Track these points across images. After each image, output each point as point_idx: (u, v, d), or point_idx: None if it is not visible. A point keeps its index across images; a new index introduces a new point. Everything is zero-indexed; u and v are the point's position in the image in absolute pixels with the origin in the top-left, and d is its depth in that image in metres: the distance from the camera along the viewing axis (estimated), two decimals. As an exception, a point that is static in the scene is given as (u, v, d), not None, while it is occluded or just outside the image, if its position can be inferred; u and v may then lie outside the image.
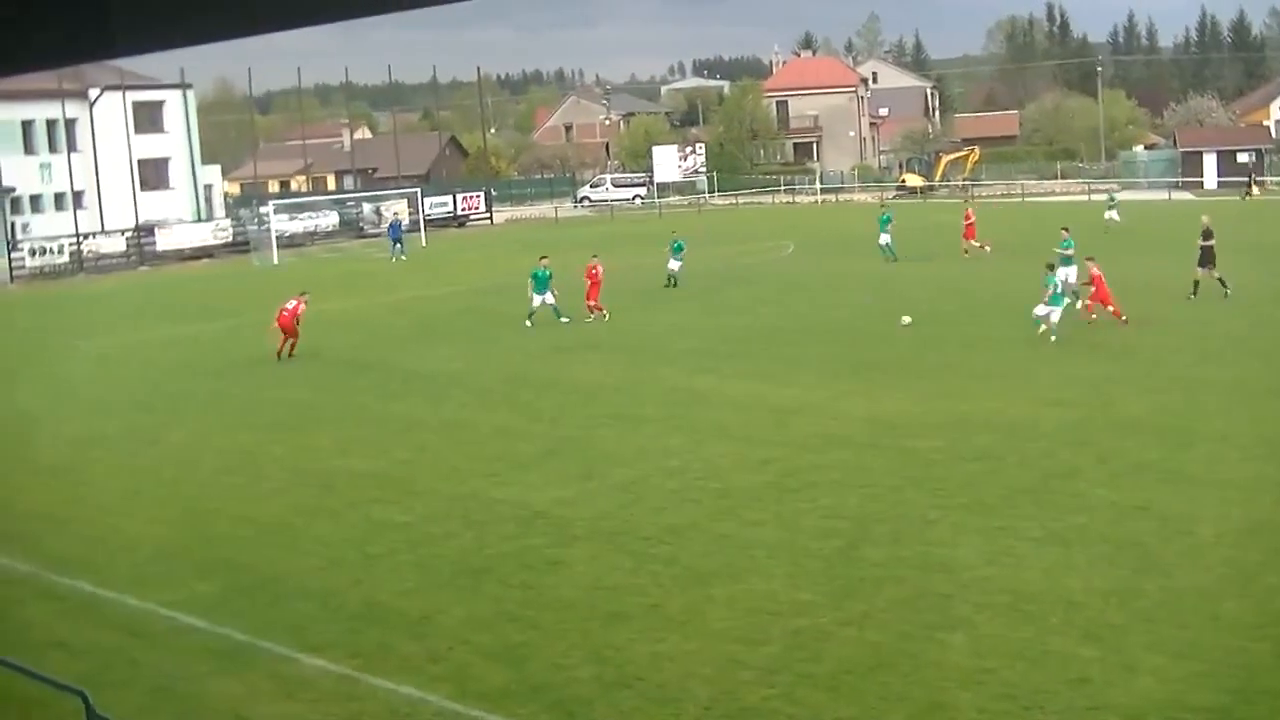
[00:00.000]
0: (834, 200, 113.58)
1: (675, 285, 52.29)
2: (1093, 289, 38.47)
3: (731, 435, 27.67)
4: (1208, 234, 42.14)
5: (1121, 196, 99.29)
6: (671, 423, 29.20)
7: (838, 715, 14.45)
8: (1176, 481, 22.50)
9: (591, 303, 44.47)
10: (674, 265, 53.14)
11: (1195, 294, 41.29)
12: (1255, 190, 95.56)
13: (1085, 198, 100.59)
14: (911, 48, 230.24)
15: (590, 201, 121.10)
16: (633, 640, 16.74)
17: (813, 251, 63.63)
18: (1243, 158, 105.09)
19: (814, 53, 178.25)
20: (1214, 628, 16.02)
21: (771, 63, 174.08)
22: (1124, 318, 37.52)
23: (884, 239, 58.98)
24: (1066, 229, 44.38)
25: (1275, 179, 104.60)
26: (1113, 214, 69.38)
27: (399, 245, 77.08)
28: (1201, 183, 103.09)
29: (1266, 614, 16.35)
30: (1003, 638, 16.08)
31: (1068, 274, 40.00)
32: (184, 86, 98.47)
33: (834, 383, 32.47)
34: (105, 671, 16.60)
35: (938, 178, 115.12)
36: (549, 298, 43.45)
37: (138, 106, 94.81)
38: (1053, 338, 35.99)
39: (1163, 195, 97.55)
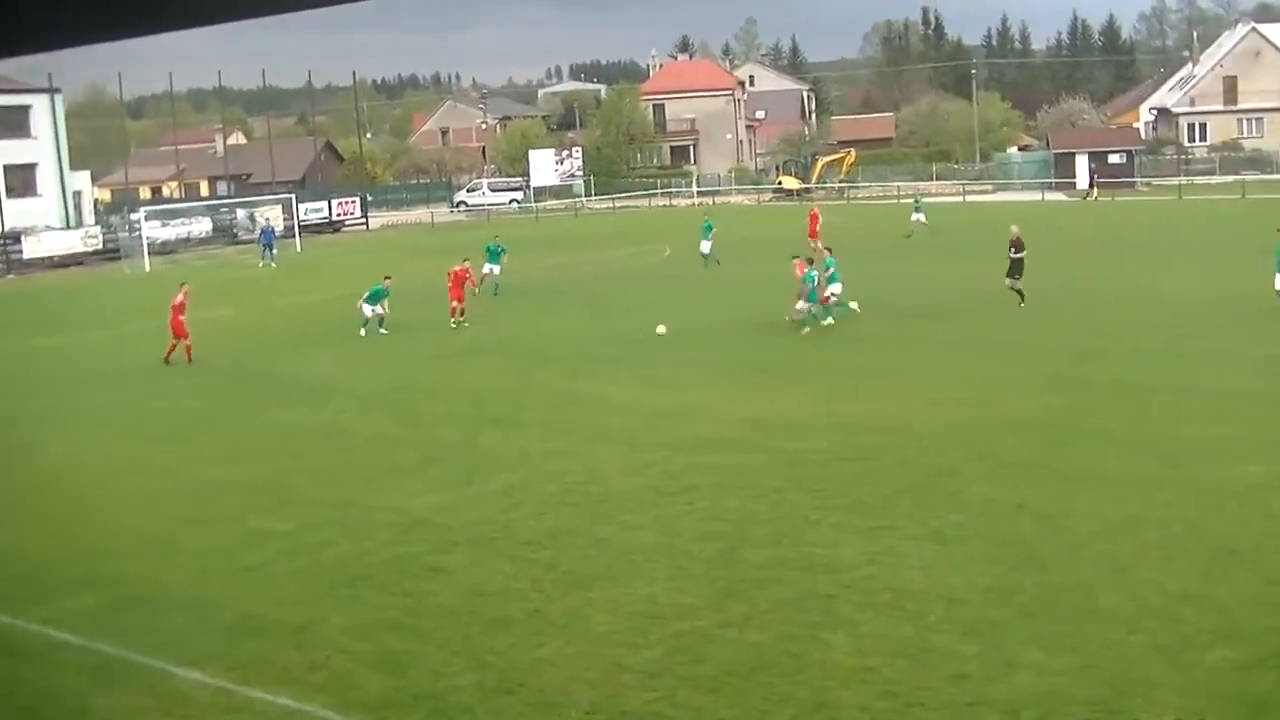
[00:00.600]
0: (711, 203, 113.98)
1: (497, 294, 51.66)
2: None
3: (613, 439, 27.65)
4: (1017, 245, 42.01)
5: (995, 198, 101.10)
6: (553, 427, 29.15)
7: (721, 717, 14.43)
8: (1054, 479, 22.78)
9: (455, 304, 44.49)
10: (492, 269, 52.86)
11: (1023, 301, 41.41)
12: (1094, 192, 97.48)
13: (960, 199, 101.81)
14: (788, 51, 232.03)
15: (467, 206, 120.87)
16: (514, 646, 16.64)
17: (691, 255, 63.67)
18: (1114, 159, 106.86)
19: (691, 56, 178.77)
20: (1091, 621, 16.21)
21: (648, 66, 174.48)
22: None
23: (705, 246, 59.30)
24: (829, 249, 44.81)
25: (1144, 180, 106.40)
26: (919, 217, 70.10)
27: (270, 251, 76.71)
28: (1074, 183, 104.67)
29: (1142, 607, 16.58)
30: (884, 636, 16.16)
31: (835, 289, 41.27)
32: (52, 90, 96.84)
33: (716, 385, 32.57)
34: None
35: (814, 180, 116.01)
36: (380, 308, 43.61)
37: (2, 111, 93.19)
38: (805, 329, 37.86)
39: (1036, 196, 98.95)
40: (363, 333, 43.36)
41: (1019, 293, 41.27)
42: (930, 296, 44.64)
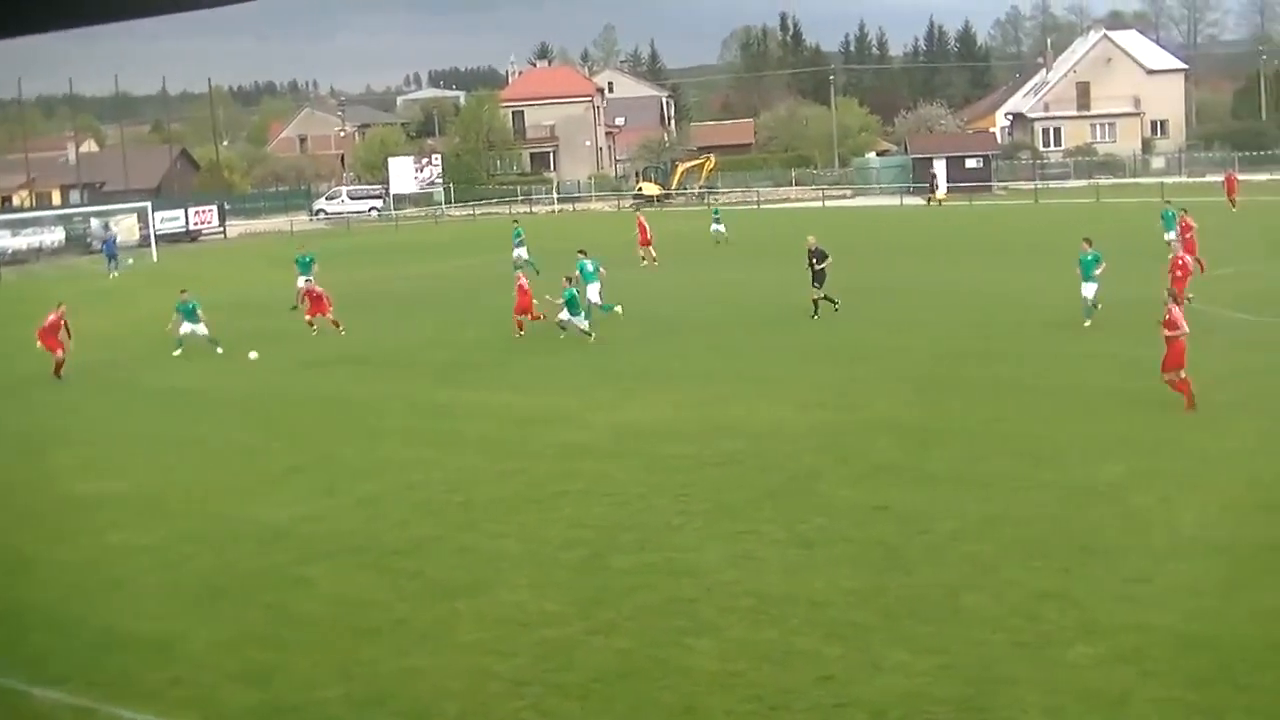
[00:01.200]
0: (571, 209, 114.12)
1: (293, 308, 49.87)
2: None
3: (476, 447, 27.62)
4: (817, 255, 41.95)
5: (854, 202, 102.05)
6: (416, 435, 29.07)
7: (590, 724, 14.50)
8: (917, 480, 23.09)
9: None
10: (306, 282, 50.48)
11: (816, 314, 41.45)
12: (936, 196, 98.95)
13: (820, 204, 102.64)
14: (647, 57, 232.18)
15: (326, 214, 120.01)
16: (380, 656, 16.59)
17: (551, 261, 63.68)
18: (971, 163, 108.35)
19: (550, 62, 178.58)
20: (954, 621, 16.48)
21: (508, 73, 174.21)
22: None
23: (517, 253, 59.80)
24: (584, 252, 45.41)
25: (1001, 184, 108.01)
26: (719, 228, 70.36)
27: (114, 261, 75.73)
28: (937, 189, 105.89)
29: (1004, 605, 16.87)
30: (748, 640, 16.29)
31: (594, 290, 42.94)
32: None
33: (582, 392, 32.59)
34: None
35: (674, 186, 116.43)
36: (200, 328, 42.27)
37: None
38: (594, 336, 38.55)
39: (895, 200, 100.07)
40: (176, 353, 41.96)
41: (830, 300, 41.44)
42: (781, 305, 44.83)
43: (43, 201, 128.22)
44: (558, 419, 29.83)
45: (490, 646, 16.64)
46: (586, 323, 39.30)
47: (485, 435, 28.71)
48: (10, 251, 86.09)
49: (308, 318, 44.79)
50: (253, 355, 40.38)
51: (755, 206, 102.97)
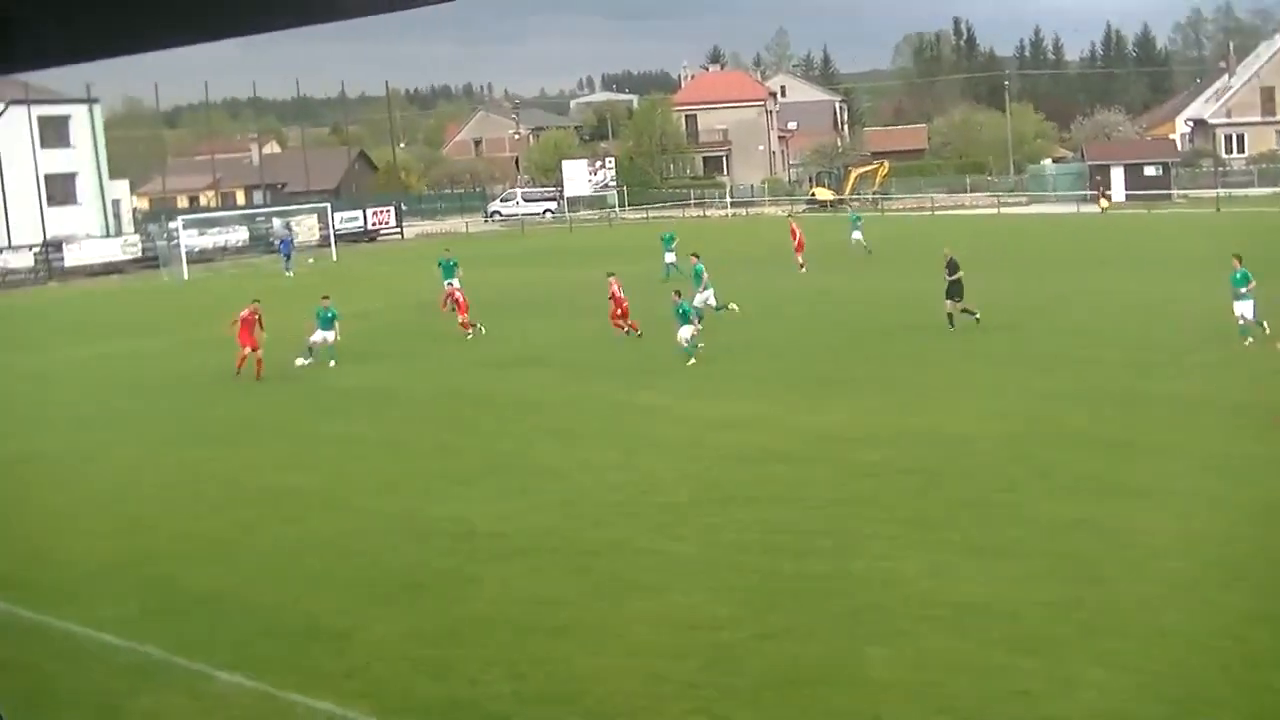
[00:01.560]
0: (744, 214, 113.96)
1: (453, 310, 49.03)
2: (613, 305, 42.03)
3: (670, 450, 27.64)
4: (952, 267, 41.18)
5: (1029, 210, 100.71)
6: (610, 437, 29.17)
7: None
8: (1116, 495, 22.60)
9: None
10: (451, 285, 50.69)
11: (953, 325, 40.55)
12: (1105, 203, 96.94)
13: (995, 211, 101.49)
14: (820, 62, 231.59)
15: (501, 216, 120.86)
16: (557, 654, 16.67)
17: (728, 265, 63.72)
18: (1150, 171, 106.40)
19: (722, 67, 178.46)
20: (1156, 640, 16.08)
21: (680, 77, 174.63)
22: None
23: (669, 258, 60.18)
24: (697, 255, 45.75)
25: (1181, 192, 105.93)
26: (858, 235, 68.64)
27: (289, 260, 77.18)
28: (1110, 195, 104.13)
29: (1206, 626, 16.44)
30: (943, 651, 16.08)
31: (706, 296, 43.09)
32: (90, 101, 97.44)
33: (775, 396, 32.50)
34: (29, 691, 16.45)
35: (847, 191, 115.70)
36: (330, 335, 40.94)
37: (43, 121, 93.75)
38: (691, 361, 37.07)
39: (1071, 208, 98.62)
40: (299, 363, 40.75)
41: (969, 312, 40.55)
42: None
43: (228, 201, 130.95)
44: (747, 423, 29.75)
45: (665, 648, 16.63)
46: (691, 332, 37.92)
47: (673, 438, 28.74)
48: (197, 250, 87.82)
49: (461, 318, 45.04)
50: (300, 362, 40.49)
51: (930, 213, 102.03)
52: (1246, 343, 35.59)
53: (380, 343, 45.13)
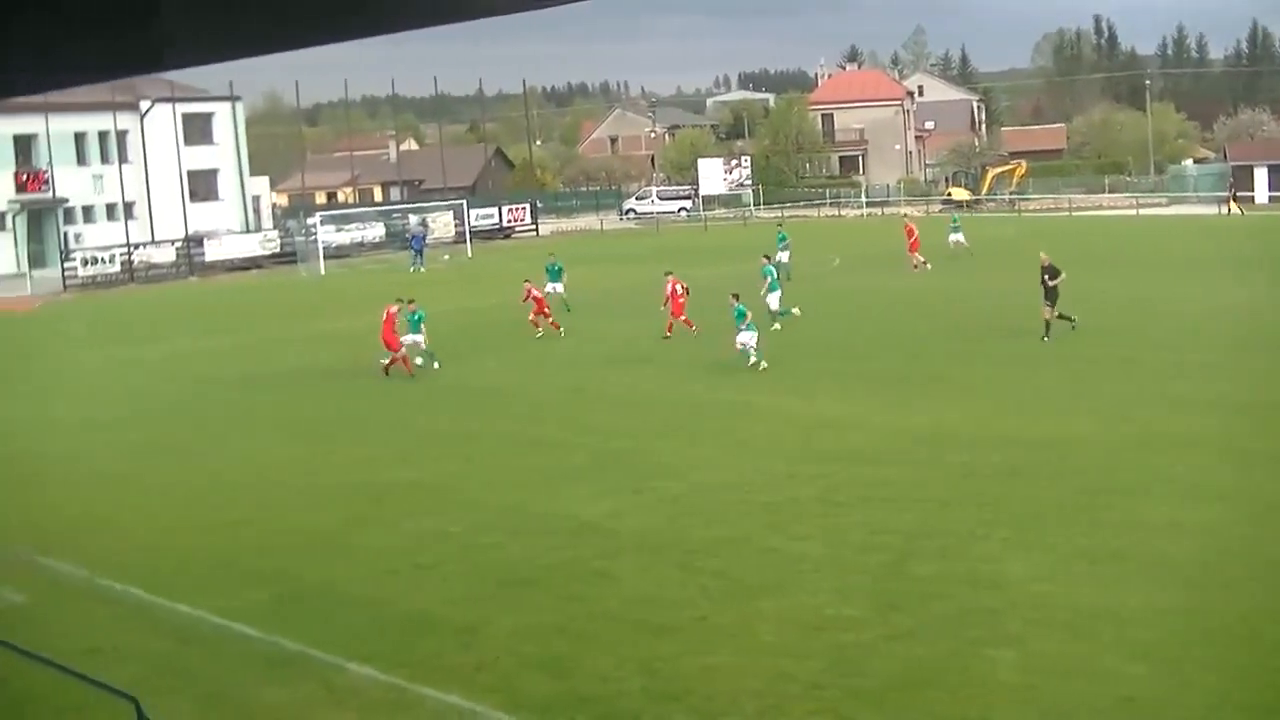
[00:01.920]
0: (880, 214, 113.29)
1: (568, 310, 49.58)
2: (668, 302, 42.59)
3: (782, 449, 27.66)
4: (1051, 272, 39.73)
5: (1168, 211, 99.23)
6: (722, 437, 29.23)
7: (886, 731, 14.47)
8: (1232, 500, 22.30)
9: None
10: (555, 288, 51.26)
11: (1048, 336, 39.15)
12: (1234, 206, 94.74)
13: (1134, 212, 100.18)
14: (958, 61, 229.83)
15: (636, 214, 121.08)
16: (680, 653, 16.77)
17: (859, 266, 63.57)
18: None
19: (859, 66, 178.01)
20: (1269, 649, 15.89)
21: (817, 75, 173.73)
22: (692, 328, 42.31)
23: (782, 256, 58.37)
24: (768, 257, 45.79)
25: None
26: (958, 237, 67.33)
27: (420, 256, 78.01)
28: (1253, 197, 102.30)
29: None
30: (1054, 655, 16.01)
31: (772, 298, 42.67)
32: (233, 99, 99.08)
33: (885, 397, 32.41)
34: (156, 677, 16.75)
35: (984, 191, 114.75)
36: (420, 339, 40.42)
37: (188, 118, 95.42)
38: (763, 364, 36.44)
39: (1212, 210, 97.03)
40: (419, 362, 40.31)
41: (1067, 318, 39.41)
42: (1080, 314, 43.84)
43: (365, 198, 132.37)
44: (859, 423, 29.67)
45: (788, 648, 16.69)
46: (754, 339, 37.11)
47: (782, 437, 28.75)
48: (334, 245, 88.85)
49: (535, 317, 45.35)
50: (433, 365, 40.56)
51: (1067, 214, 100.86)
52: None
53: (502, 338, 45.58)
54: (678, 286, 43.63)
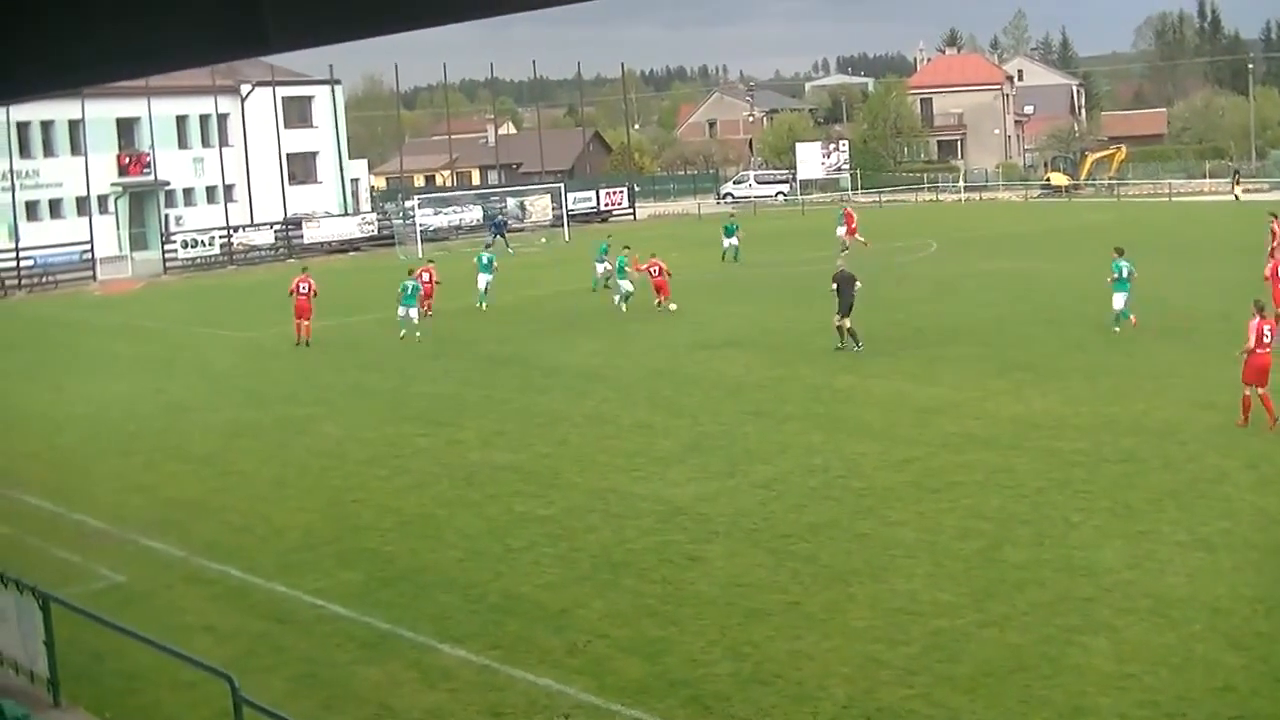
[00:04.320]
0: (978, 199, 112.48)
1: (625, 298, 48.56)
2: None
3: (873, 434, 27.59)
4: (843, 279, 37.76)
5: (1271, 196, 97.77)
6: (813, 420, 29.17)
7: (976, 718, 14.39)
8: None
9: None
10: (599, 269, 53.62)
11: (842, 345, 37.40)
12: (1238, 191, 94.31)
13: (1232, 197, 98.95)
14: (1058, 45, 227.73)
15: (733, 198, 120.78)
16: (771, 637, 16.78)
17: (957, 250, 63.14)
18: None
19: (959, 50, 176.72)
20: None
21: (916, 60, 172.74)
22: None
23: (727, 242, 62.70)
24: (1119, 250, 43.95)
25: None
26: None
27: (501, 239, 78.05)
28: (1240, 180, 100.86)
29: None
30: (1145, 643, 15.92)
31: (1117, 298, 40.15)
32: (333, 82, 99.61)
33: (978, 382, 32.22)
34: (251, 656, 16.98)
35: (1083, 177, 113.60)
36: (414, 311, 44.16)
37: (288, 102, 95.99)
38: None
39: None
40: (402, 335, 43.99)
41: (850, 333, 37.42)
42: (1189, 299, 43.38)
43: (463, 181, 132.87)
44: (951, 408, 29.56)
45: (881, 634, 16.67)
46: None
47: (880, 422, 28.66)
48: (431, 229, 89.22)
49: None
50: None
51: (1167, 199, 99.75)
52: None
53: (593, 321, 45.89)
54: (654, 268, 46.42)
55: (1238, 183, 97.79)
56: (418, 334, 43.55)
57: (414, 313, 44.01)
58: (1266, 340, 26.73)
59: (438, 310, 47.46)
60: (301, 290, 43.91)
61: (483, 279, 50.58)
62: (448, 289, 49.28)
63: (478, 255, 53.61)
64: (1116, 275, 38.60)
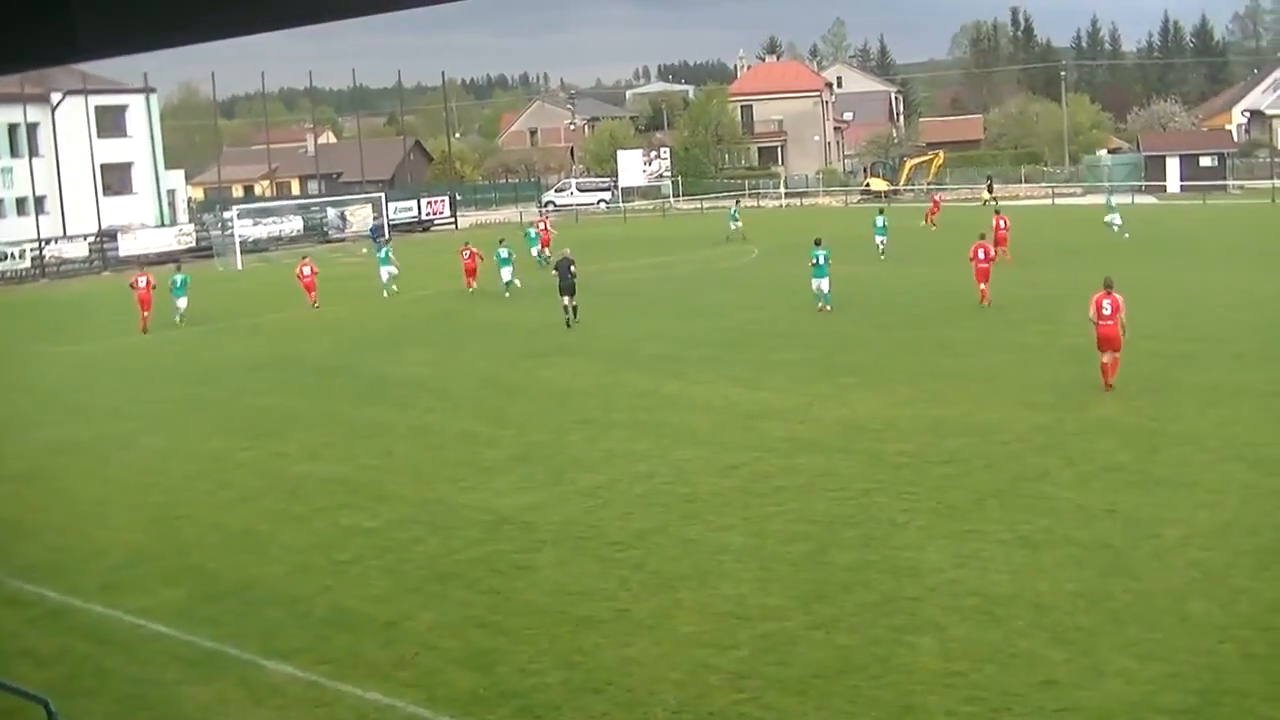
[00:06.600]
0: (799, 204, 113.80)
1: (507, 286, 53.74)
2: None
3: (700, 440, 27.67)
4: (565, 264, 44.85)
5: (1084, 200, 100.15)
6: (640, 427, 29.21)
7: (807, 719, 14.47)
8: (1144, 484, 22.56)
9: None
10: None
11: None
12: (986, 195, 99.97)
13: (1049, 201, 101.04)
14: (876, 52, 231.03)
15: (555, 206, 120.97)
16: (601, 645, 16.73)
17: (778, 256, 63.69)
18: (1206, 161, 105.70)
19: (779, 57, 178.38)
20: (1181, 629, 16.06)
21: (736, 67, 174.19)
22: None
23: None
24: (819, 240, 45.47)
25: (1237, 183, 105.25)
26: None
27: (375, 243, 77.38)
28: (1164, 186, 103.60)
29: (1233, 616, 16.40)
30: (971, 641, 16.11)
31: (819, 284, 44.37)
32: (147, 90, 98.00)
33: (805, 387, 32.47)
34: (73, 680, 16.55)
35: (902, 182, 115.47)
36: (182, 303, 50.03)
37: (100, 111, 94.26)
38: None
39: (1126, 199, 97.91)
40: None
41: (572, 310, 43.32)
42: (1017, 298, 44.22)
43: (283, 191, 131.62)
44: (778, 413, 29.76)
45: (710, 639, 16.67)
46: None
47: (708, 427, 28.76)
48: (252, 240, 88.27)
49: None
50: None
51: (983, 204, 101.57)
52: None
53: (421, 331, 45.60)
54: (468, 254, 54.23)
55: (990, 190, 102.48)
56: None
57: (182, 304, 49.69)
58: (1106, 313, 29.39)
59: (265, 323, 46.84)
60: (139, 285, 48.80)
61: (385, 271, 56.57)
62: (277, 298, 48.63)
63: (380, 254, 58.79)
64: (815, 262, 43.81)
